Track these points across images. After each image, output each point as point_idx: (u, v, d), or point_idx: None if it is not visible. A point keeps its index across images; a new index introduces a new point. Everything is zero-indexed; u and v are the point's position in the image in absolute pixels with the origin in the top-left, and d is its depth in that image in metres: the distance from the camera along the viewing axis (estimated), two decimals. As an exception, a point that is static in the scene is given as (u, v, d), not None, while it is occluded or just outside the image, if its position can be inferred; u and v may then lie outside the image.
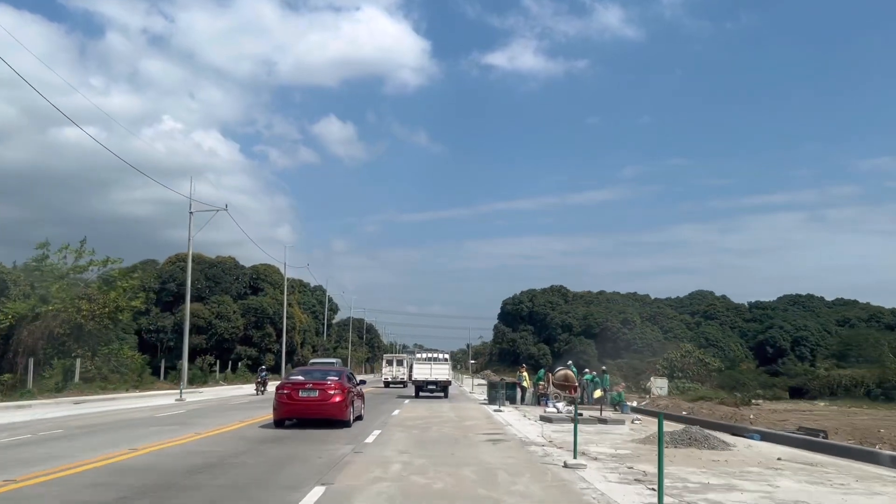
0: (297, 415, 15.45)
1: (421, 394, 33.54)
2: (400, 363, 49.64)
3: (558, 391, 24.48)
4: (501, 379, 32.17)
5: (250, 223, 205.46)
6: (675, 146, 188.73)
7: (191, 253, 40.29)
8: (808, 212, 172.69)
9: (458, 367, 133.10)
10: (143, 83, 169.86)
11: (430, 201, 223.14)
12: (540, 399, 26.02)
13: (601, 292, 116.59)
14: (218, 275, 63.07)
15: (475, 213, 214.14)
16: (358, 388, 17.43)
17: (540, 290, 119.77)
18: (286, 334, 62.37)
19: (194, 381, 41.25)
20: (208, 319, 57.44)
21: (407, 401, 26.65)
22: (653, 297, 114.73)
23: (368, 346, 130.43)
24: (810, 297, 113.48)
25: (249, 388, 36.62)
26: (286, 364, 62.69)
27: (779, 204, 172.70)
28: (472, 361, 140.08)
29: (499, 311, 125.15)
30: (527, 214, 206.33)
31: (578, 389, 25.56)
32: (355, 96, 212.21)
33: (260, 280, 66.60)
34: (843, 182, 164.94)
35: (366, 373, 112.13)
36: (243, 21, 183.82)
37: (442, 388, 33.70)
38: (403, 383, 46.29)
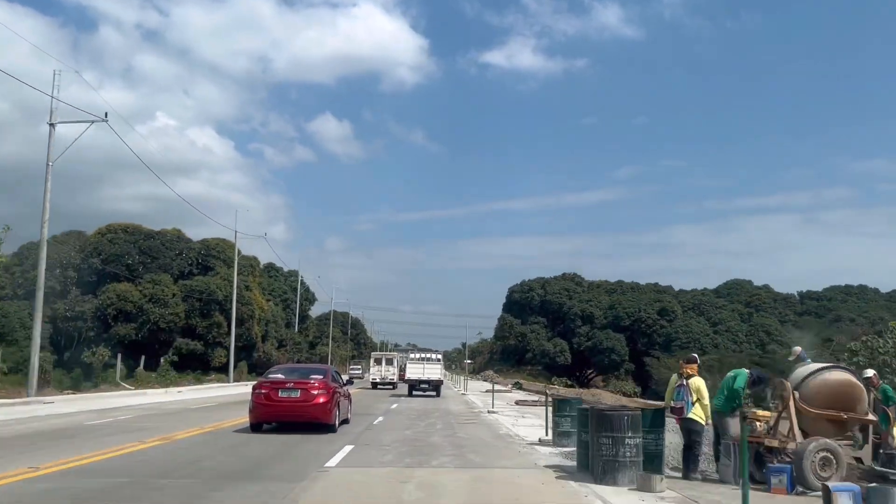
0: (275, 418, 14.87)
1: (414, 392, 36.16)
2: (390, 362, 46.40)
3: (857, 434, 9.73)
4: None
5: (246, 221, 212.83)
6: (670, 147, 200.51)
7: (49, 187, 26.10)
8: (803, 214, 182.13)
9: (454, 367, 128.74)
10: (137, 79, 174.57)
11: (427, 200, 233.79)
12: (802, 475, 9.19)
13: (620, 282, 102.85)
14: (156, 248, 49.77)
15: (472, 213, 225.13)
16: (345, 388, 16.70)
17: (552, 277, 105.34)
18: (241, 325, 49.46)
19: (81, 383, 28.97)
20: (139, 304, 43.91)
21: (355, 437, 15.08)
22: (676, 289, 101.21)
23: (354, 342, 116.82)
24: (863, 287, 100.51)
25: (158, 395, 23.94)
26: (237, 362, 49.21)
27: (773, 206, 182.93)
28: (469, 361, 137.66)
29: (504, 300, 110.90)
30: (523, 214, 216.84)
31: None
32: (352, 94, 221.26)
33: (211, 257, 53.19)
34: (836, 184, 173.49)
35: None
36: (238, 16, 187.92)
37: (434, 387, 36.71)
38: (393, 384, 44.53)
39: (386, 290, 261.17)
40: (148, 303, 46.94)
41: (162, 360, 44.49)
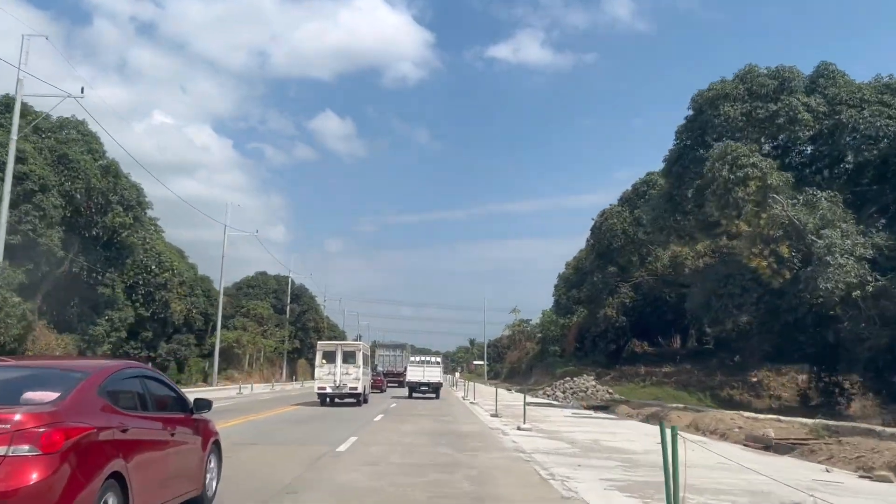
0: None
1: (414, 395, 40.35)
2: (350, 358, 30.72)
3: None
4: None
5: (245, 221, 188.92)
6: (669, 148, 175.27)
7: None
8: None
9: (461, 369, 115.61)
10: (133, 74, 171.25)
11: (428, 201, 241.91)
12: None
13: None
14: None
15: (474, 214, 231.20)
16: (181, 423, 7.94)
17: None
18: None
19: None
20: None
21: None
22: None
23: (297, 327, 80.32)
24: None
25: None
26: None
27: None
28: (480, 363, 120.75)
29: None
30: (525, 216, 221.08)
31: None
32: (353, 90, 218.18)
33: None
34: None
35: (299, 377, 75.84)
36: (236, 8, 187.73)
37: (434, 389, 40.17)
38: (357, 398, 31.31)
39: (386, 292, 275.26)
40: None
41: None
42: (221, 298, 59.04)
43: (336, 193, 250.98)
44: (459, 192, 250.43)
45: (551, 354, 66.39)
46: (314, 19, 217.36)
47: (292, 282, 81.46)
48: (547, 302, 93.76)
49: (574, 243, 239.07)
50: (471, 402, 34.72)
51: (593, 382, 40.56)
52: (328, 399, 31.23)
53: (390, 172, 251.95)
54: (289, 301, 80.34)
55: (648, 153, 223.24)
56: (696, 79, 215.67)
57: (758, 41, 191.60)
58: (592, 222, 51.41)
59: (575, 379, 41.82)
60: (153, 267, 50.39)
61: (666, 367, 49.25)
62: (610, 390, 39.20)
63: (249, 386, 50.14)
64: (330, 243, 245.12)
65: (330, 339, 73.26)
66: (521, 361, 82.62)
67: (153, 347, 52.02)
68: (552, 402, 38.19)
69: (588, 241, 54.29)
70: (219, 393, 42.39)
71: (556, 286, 74.94)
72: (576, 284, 62.24)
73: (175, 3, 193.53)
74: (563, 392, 39.95)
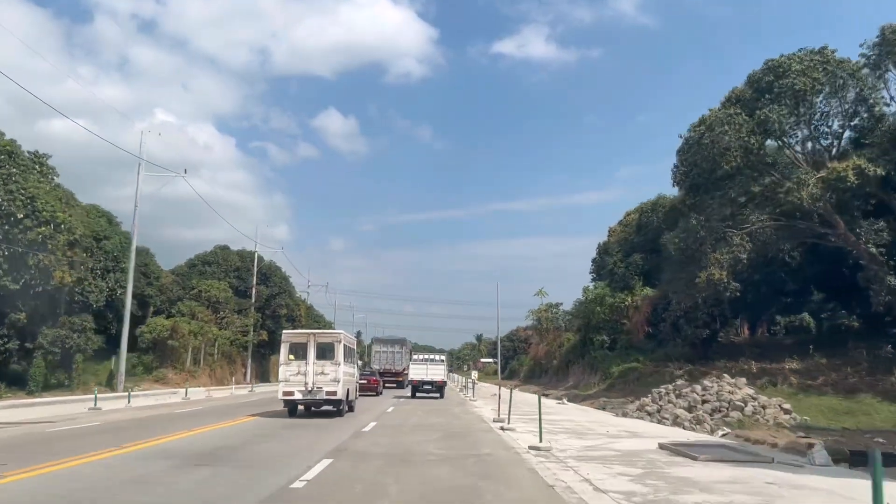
0: None
1: (418, 394, 40.47)
2: (328, 353, 25.31)
3: None
4: None
5: (246, 220, 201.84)
6: (672, 146, 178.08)
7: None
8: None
9: (466, 367, 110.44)
10: (134, 73, 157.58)
11: (432, 199, 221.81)
12: None
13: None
14: None
15: (477, 213, 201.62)
16: None
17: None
18: None
19: None
20: None
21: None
22: None
23: (265, 314, 63.62)
24: None
25: None
26: None
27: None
28: (488, 360, 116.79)
29: None
30: (529, 214, 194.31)
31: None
32: (356, 88, 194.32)
33: None
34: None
35: (272, 377, 61.83)
36: (237, 5, 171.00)
37: (437, 388, 40.18)
38: (337, 405, 25.74)
39: (388, 290, 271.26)
40: None
41: None
42: (132, 266, 40.43)
43: (339, 192, 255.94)
44: (463, 190, 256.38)
45: (597, 346, 49.72)
46: (315, 15, 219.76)
47: (259, 257, 63.30)
48: (550, 300, 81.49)
49: (575, 242, 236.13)
50: (533, 450, 14.47)
51: (749, 391, 22.89)
52: (297, 407, 25.60)
53: (393, 170, 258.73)
54: (255, 281, 62.04)
55: (652, 151, 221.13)
56: (701, 75, 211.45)
57: (761, 37, 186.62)
58: (680, 140, 32.64)
59: (707, 384, 23.75)
60: (20, 216, 34.92)
61: (789, 363, 31.96)
62: (784, 404, 21.76)
63: (125, 396, 33.75)
64: (333, 242, 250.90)
65: (317, 323, 59.99)
66: (552, 357, 65.90)
67: (30, 335, 35.01)
68: (693, 431, 20.29)
69: (674, 169, 33.78)
70: (62, 408, 26.07)
71: (593, 259, 59.21)
72: (639, 247, 46.66)
73: (176, 0, 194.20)
74: (689, 409, 22.49)
